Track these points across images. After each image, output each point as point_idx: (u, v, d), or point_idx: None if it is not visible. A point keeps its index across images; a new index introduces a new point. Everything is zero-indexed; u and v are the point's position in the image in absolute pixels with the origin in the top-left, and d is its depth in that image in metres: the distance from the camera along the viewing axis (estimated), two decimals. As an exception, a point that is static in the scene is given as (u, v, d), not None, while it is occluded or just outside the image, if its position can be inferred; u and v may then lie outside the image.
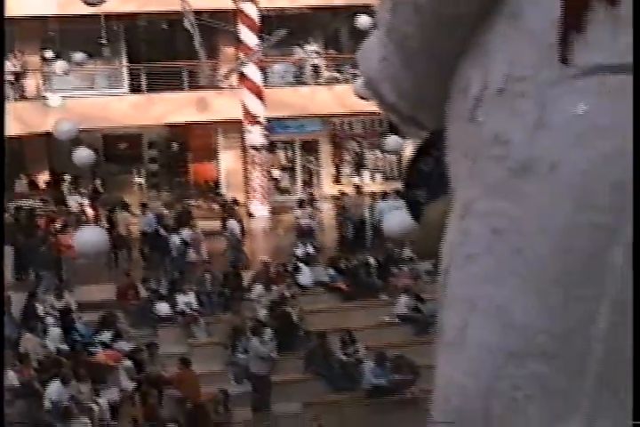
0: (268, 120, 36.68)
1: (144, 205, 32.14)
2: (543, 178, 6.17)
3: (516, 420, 6.51)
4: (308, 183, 41.35)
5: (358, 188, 34.97)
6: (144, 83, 37.81)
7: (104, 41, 34.00)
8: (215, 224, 32.72)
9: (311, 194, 35.92)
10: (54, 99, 34.42)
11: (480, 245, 6.46)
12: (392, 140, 26.30)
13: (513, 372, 6.36)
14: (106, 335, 24.85)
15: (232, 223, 31.25)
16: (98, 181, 37.78)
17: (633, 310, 5.37)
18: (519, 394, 6.42)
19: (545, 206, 5.96)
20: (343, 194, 34.10)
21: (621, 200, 6.15)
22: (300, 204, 33.49)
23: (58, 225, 30.59)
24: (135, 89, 38.14)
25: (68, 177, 36.29)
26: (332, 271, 29.23)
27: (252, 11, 35.87)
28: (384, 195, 31.22)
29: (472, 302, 6.63)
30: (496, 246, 6.46)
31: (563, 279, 6.17)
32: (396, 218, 16.54)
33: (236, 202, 34.04)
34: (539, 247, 6.02)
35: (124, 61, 39.52)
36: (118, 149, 39.99)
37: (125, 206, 32.25)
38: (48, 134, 26.42)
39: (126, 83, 38.77)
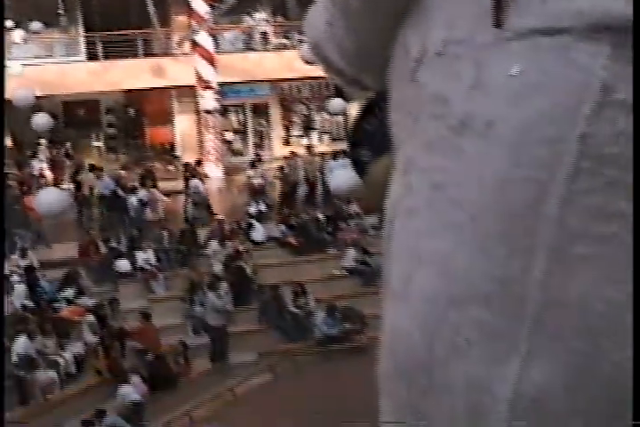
0: (220, 85, 36.60)
1: (100, 169, 31.95)
2: (480, 135, 6.20)
3: (458, 363, 6.56)
4: (259, 145, 41.37)
5: (310, 148, 34.91)
6: (100, 51, 37.65)
7: (61, 11, 33.78)
8: (173, 184, 32.68)
9: (258, 155, 35.81)
10: (14, 66, 34.19)
11: (421, 199, 6.50)
12: (336, 103, 26.34)
13: (454, 318, 6.40)
14: (69, 292, 24.79)
15: (196, 182, 31.22)
16: (63, 145, 37.60)
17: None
18: (460, 338, 6.46)
19: (481, 161, 5.99)
20: (293, 154, 34.07)
21: (554, 155, 6.18)
22: (252, 164, 33.50)
23: (24, 188, 30.47)
24: (92, 57, 37.96)
25: (28, 142, 36.09)
26: (283, 227, 29.34)
27: (202, -20, 35.78)
28: (332, 155, 31.22)
29: (415, 253, 6.63)
30: (436, 200, 6.50)
31: (500, 230, 6.22)
32: (341, 176, 16.57)
33: (199, 162, 34.11)
34: (476, 201, 6.07)
35: (81, 30, 39.24)
36: (77, 115, 39.83)
37: (92, 169, 32.07)
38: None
39: (83, 51, 38.54)
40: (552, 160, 4.43)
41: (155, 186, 31.75)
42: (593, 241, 4.77)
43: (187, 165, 33.83)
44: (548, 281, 4.68)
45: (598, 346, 4.60)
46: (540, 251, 4.63)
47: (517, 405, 4.64)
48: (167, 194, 31.36)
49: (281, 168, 33.22)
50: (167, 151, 39.46)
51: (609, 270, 4.72)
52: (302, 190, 32.18)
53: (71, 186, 31.23)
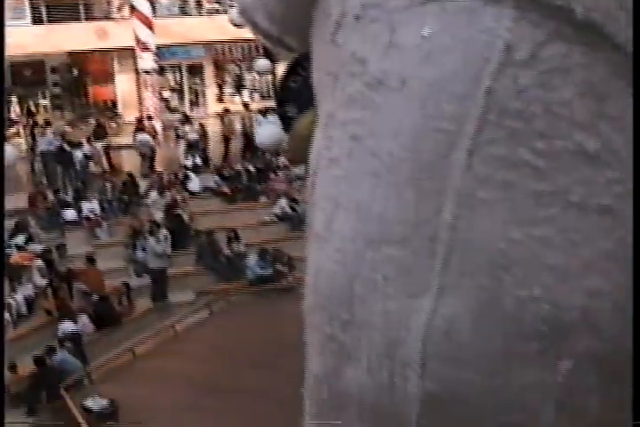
0: (158, 47, 36.35)
1: (44, 126, 31.62)
2: (395, 91, 6.20)
3: (376, 298, 6.60)
4: (194, 102, 41.26)
5: (246, 105, 34.80)
6: (45, 15, 37.30)
7: (7, -23, 33.41)
8: (116, 140, 32.54)
9: (185, 114, 35.59)
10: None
11: (341, 149, 6.50)
12: (262, 63, 26.31)
13: (372, 257, 6.42)
14: (20, 239, 24.63)
15: (144, 136, 31.08)
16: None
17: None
18: (378, 276, 6.50)
19: (396, 115, 5.99)
20: (226, 111, 33.96)
21: (462, 109, 6.19)
22: (185, 121, 33.47)
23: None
24: (37, 20, 37.59)
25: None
26: (217, 178, 29.35)
27: (139, -53, 35.40)
28: (263, 111, 31.20)
29: (336, 199, 6.65)
30: (355, 151, 6.50)
31: (413, 177, 6.25)
32: (266, 131, 16.59)
33: (150, 117, 33.96)
34: (392, 151, 6.08)
35: (26, -4, 38.93)
36: (24, 75, 39.49)
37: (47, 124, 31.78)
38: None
39: (29, 15, 38.13)
40: (460, 114, 4.46)
41: (107, 139, 31.73)
42: (497, 187, 4.84)
43: (140, 119, 33.60)
44: (456, 223, 4.73)
45: (501, 282, 4.66)
46: (449, 196, 4.68)
47: (430, 337, 4.70)
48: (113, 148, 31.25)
49: (226, 123, 33.13)
50: (109, 109, 39.19)
51: (512, 213, 4.78)
52: (235, 144, 32.14)
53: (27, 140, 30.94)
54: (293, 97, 14.32)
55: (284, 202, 27.42)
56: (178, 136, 32.29)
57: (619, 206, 4.79)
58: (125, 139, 32.77)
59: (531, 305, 4.63)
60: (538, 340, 4.67)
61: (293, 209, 26.67)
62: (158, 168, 29.78)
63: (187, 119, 33.65)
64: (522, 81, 4.30)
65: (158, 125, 34.43)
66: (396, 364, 4.83)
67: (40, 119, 33.89)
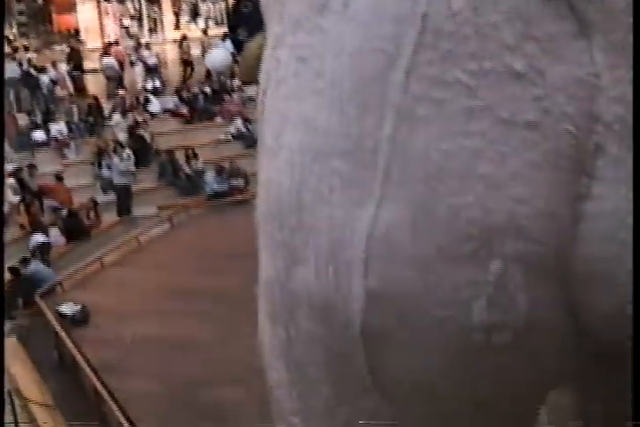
0: (117, -23, 35.87)
1: (12, 53, 31.23)
2: (338, 14, 6.23)
3: (323, 207, 6.72)
4: (153, 29, 40.74)
5: (205, 31, 34.42)
6: (9, -53, 36.77)
7: None
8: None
9: (138, 41, 35.15)
10: None
11: (288, 70, 6.53)
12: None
13: (318, 169, 6.53)
14: (-8, 159, 24.47)
15: (110, 60, 30.78)
16: None
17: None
18: (324, 186, 6.63)
19: (339, 37, 6.04)
20: (184, 38, 33.65)
21: (401, 31, 6.24)
22: (147, 46, 33.12)
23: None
24: (2, -47, 37.08)
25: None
26: (176, 100, 29.25)
27: None
28: (222, 37, 30.92)
29: (284, 116, 6.74)
30: (301, 71, 6.54)
31: (355, 95, 6.32)
32: (215, 55, 16.47)
33: (117, 42, 33.61)
34: (335, 70, 6.10)
35: None
36: (-10, 4, 38.99)
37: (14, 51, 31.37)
38: None
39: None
40: (398, 35, 4.51)
41: (81, 64, 31.56)
42: (432, 104, 4.92)
43: (109, 44, 33.23)
44: (395, 137, 4.81)
45: (436, 191, 4.78)
46: (388, 112, 4.75)
47: (372, 240, 4.82)
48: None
49: (183, 49, 32.90)
50: (72, 36, 38.61)
51: (445, 128, 4.87)
52: (192, 68, 31.95)
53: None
54: (244, 21, 14.19)
55: (238, 122, 27.34)
56: (138, 60, 31.95)
57: (544, 121, 4.90)
58: (89, 64, 32.39)
59: (463, 211, 4.76)
60: (469, 242, 4.82)
61: (247, 128, 26.58)
62: (122, 91, 29.52)
63: (146, 45, 33.29)
64: (454, 5, 4.37)
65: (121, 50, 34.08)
66: (340, 265, 4.96)
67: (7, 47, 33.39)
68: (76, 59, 31.13)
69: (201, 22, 40.55)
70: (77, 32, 38.13)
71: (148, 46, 33.16)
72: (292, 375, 10.37)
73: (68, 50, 32.71)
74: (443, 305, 8.37)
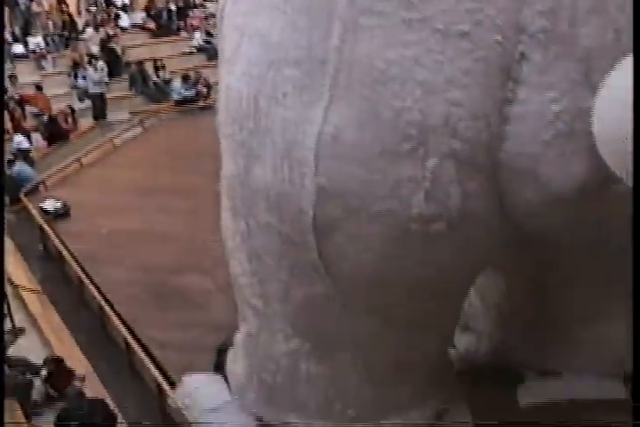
0: None
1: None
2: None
3: (277, 110, 6.75)
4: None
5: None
6: None
7: None
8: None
9: None
10: None
11: None
12: None
13: (273, 77, 6.60)
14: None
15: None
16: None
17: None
18: (278, 93, 6.71)
19: None
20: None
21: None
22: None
23: None
24: None
25: None
26: (144, 15, 28.96)
27: None
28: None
29: (241, 29, 6.79)
30: None
31: (306, 8, 6.32)
32: None
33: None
34: None
35: None
36: None
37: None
38: None
39: None
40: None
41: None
42: (375, 16, 5.07)
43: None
44: (342, 47, 4.99)
45: (380, 95, 4.93)
46: (335, 24, 4.91)
47: (322, 140, 4.99)
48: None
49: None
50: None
51: (387, 38, 5.02)
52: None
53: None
54: None
55: (200, 36, 27.15)
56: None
57: (475, 32, 5.07)
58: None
59: (403, 114, 4.94)
60: (409, 141, 5.00)
61: (209, 42, 26.36)
62: (93, 8, 29.13)
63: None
64: None
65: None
66: (294, 163, 5.19)
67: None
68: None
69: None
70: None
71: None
72: (253, 264, 10.49)
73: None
74: (385, 199, 8.50)
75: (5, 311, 13.90)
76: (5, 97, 23.03)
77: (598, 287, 10.14)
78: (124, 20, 28.46)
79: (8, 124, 22.15)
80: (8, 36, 26.38)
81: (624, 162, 6.50)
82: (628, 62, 6.70)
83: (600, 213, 8.51)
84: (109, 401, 11.44)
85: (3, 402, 8.79)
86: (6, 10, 28.04)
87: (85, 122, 23.52)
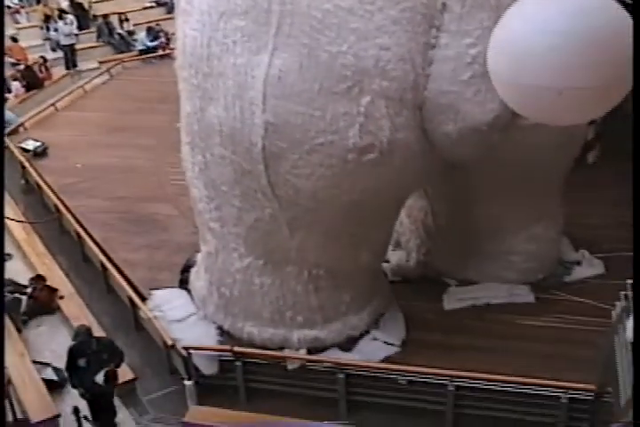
0: None
1: None
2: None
3: (228, 56, 6.68)
4: None
5: None
6: None
7: None
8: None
9: None
10: None
11: None
12: None
13: (223, 26, 6.51)
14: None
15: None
16: None
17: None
18: (229, 40, 6.56)
19: None
20: None
21: None
22: None
23: None
24: None
25: None
26: None
27: None
28: None
29: None
30: None
31: None
32: None
33: None
34: None
35: None
36: None
37: None
38: None
39: None
40: None
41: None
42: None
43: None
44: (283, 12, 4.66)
45: (318, 41, 4.91)
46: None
47: (268, 82, 4.97)
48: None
49: None
50: None
51: None
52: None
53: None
54: None
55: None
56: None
57: None
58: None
59: (339, 57, 4.93)
60: (345, 81, 5.01)
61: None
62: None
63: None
64: None
65: None
66: (245, 102, 5.17)
67: None
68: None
69: None
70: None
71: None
72: (210, 191, 10.53)
73: None
74: (325, 133, 8.53)
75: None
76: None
77: (505, 205, 10.28)
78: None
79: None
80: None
81: (515, 97, 6.48)
82: (510, 9, 6.58)
83: (507, 142, 8.61)
84: (90, 316, 11.51)
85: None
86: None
87: (58, 70, 22.93)
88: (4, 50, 22.47)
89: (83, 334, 9.56)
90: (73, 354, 9.44)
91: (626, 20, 6.16)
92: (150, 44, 23.79)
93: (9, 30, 24.24)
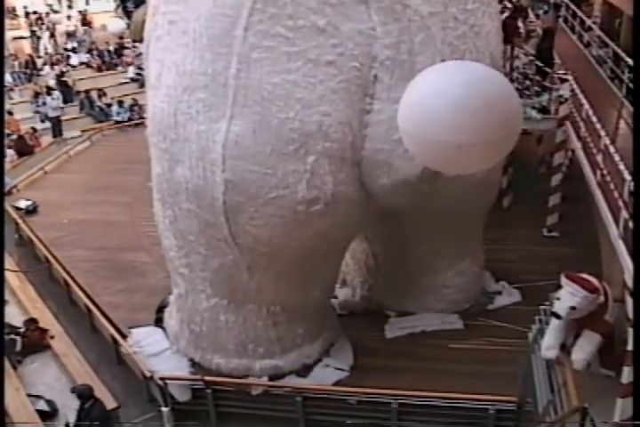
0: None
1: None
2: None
3: (192, 124, 6.62)
4: (70, 7, 38.20)
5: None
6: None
7: None
8: (18, 33, 30.38)
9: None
10: None
11: (163, 30, 6.35)
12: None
13: (187, 98, 6.42)
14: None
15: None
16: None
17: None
18: (192, 110, 6.51)
19: (197, 6, 5.90)
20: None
21: (239, 1, 6.14)
22: (68, 18, 31.69)
23: None
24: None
25: None
26: (89, 55, 28.27)
27: None
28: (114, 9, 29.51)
29: (162, 62, 6.56)
30: (172, 31, 6.37)
31: (209, 46, 6.22)
32: (115, 23, 16.06)
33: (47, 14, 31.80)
34: (195, 29, 5.95)
35: None
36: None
37: None
38: None
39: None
40: (238, 3, 4.61)
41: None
42: (264, 50, 5.00)
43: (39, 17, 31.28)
44: (239, 74, 4.91)
45: (269, 110, 4.88)
46: (233, 57, 4.81)
47: (227, 145, 4.90)
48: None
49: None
50: (11, 12, 35.98)
51: (274, 67, 5.01)
52: (100, 34, 30.79)
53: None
54: None
55: (133, 69, 26.62)
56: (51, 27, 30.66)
57: (339, 61, 5.04)
58: (23, 32, 30.63)
59: (287, 123, 4.89)
60: (292, 144, 4.96)
61: (140, 74, 25.90)
62: (49, 50, 28.45)
63: (67, 17, 31.90)
64: None
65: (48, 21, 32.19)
66: (207, 163, 5.10)
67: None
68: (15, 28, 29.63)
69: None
70: (14, 9, 35.39)
71: (69, 18, 31.75)
72: (179, 241, 10.39)
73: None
74: (277, 188, 8.49)
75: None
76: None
77: (435, 246, 10.33)
78: (74, 59, 27.79)
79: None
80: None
81: (422, 150, 6.52)
82: (417, 77, 6.67)
83: (434, 192, 8.66)
84: (77, 353, 11.27)
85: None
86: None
87: (46, 139, 22.72)
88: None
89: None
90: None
91: (510, 88, 6.33)
92: (123, 115, 23.78)
93: (4, 105, 24.10)
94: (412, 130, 6.17)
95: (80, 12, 32.92)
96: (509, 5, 22.20)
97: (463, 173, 6.85)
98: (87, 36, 30.32)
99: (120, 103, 24.08)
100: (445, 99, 5.81)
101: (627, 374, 6.81)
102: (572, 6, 19.80)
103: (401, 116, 6.51)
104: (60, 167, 19.96)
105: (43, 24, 30.85)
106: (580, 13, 18.07)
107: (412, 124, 6.12)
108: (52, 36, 29.99)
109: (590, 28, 16.69)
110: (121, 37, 27.85)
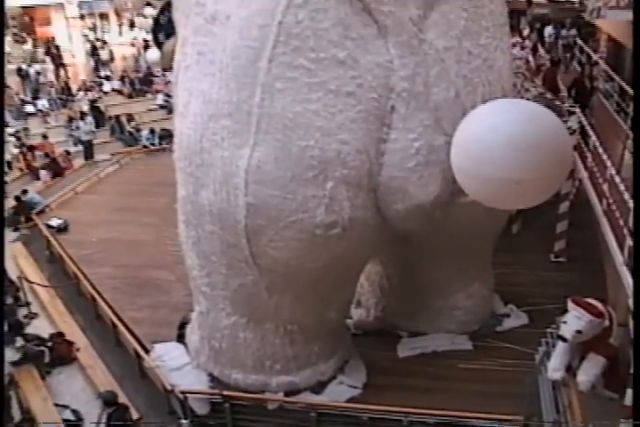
0: (79, 1, 33.66)
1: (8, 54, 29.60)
2: (222, 23, 6.11)
3: (217, 150, 6.71)
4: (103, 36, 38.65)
5: (146, 41, 32.86)
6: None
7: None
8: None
9: (95, 44, 33.27)
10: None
11: (192, 60, 6.40)
12: (147, 10, 25.18)
13: (212, 125, 6.47)
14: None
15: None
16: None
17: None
18: (217, 137, 6.57)
19: (224, 38, 5.93)
20: (131, 44, 32.69)
21: (264, 34, 6.19)
22: (103, 47, 32.03)
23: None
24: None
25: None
26: (120, 83, 28.54)
27: None
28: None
29: (190, 91, 6.64)
30: (200, 61, 6.42)
31: (235, 76, 6.27)
32: (151, 53, 16.31)
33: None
34: (222, 60, 5.99)
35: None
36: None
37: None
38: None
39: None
40: (263, 36, 4.64)
41: (59, 56, 30.25)
42: (287, 80, 5.04)
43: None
44: (262, 103, 4.94)
45: (290, 138, 4.90)
46: (257, 86, 4.84)
47: (250, 170, 4.92)
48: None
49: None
50: (50, 42, 36.23)
51: (296, 96, 5.03)
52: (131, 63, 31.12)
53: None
54: (163, 28, 14.22)
55: (162, 97, 26.84)
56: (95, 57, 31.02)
57: (358, 92, 5.08)
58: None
59: (307, 150, 4.91)
60: (312, 170, 4.97)
61: (168, 101, 26.11)
62: (84, 79, 28.73)
63: (102, 46, 32.26)
64: (299, 16, 4.51)
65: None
66: (230, 187, 5.11)
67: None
68: (54, 57, 29.93)
69: (136, 31, 38.81)
70: (53, 39, 35.73)
71: (103, 47, 32.08)
72: (201, 261, 10.40)
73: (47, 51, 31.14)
74: (297, 212, 8.49)
75: (24, 301, 13.67)
76: (20, 144, 22.55)
77: (447, 269, 10.29)
78: (106, 86, 28.09)
79: (22, 164, 21.75)
80: (23, 98, 25.99)
81: (478, 187, 6.53)
82: (470, 116, 6.74)
83: (447, 217, 8.65)
84: (102, 365, 11.26)
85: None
86: (18, 80, 27.42)
87: (78, 161, 22.95)
88: (37, 145, 22.53)
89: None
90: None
91: (561, 125, 6.43)
92: (152, 140, 23.96)
93: (40, 129, 24.37)
94: (468, 167, 6.18)
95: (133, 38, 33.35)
96: (520, 40, 22.25)
97: (518, 207, 6.87)
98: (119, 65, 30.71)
99: (150, 130, 24.27)
100: (503, 137, 5.85)
101: (629, 397, 6.72)
102: (580, 42, 19.83)
103: (455, 155, 6.54)
104: (90, 188, 20.11)
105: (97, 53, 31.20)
106: (586, 48, 18.09)
107: (469, 161, 6.14)
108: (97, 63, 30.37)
109: (597, 63, 16.70)
110: (148, 67, 28.15)
